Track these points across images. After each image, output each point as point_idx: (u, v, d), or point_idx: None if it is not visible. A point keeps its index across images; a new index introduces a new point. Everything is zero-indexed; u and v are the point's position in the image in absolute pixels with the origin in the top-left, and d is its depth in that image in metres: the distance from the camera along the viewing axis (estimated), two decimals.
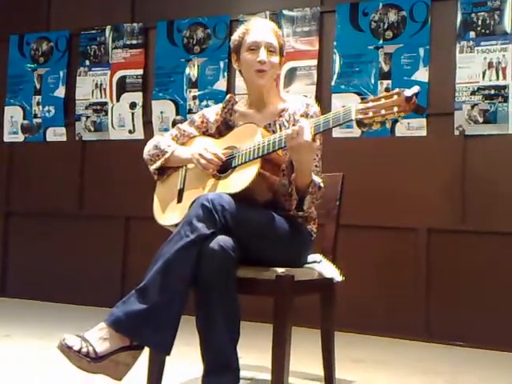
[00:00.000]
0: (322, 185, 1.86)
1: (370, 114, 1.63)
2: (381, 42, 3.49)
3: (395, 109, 1.60)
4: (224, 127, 2.03)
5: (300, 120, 1.78)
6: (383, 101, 1.62)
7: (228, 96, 2.09)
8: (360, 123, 3.40)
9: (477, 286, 3.20)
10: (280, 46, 1.96)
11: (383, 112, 1.61)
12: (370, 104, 1.64)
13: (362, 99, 3.44)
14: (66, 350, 1.54)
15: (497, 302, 3.14)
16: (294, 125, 1.90)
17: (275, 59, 1.94)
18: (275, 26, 2.00)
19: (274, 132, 1.91)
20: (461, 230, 3.26)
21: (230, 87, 3.80)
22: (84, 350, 1.55)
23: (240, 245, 1.71)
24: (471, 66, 3.27)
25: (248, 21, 2.02)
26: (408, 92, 1.58)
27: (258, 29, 1.94)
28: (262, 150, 1.78)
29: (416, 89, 1.59)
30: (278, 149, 1.79)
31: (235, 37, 1.99)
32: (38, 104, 4.40)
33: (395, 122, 3.34)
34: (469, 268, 3.23)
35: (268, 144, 1.78)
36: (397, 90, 1.62)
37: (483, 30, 3.26)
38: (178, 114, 3.96)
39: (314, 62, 3.63)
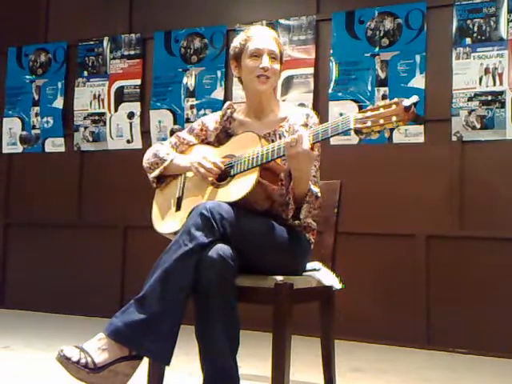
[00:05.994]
0: (319, 194, 1.85)
1: (369, 124, 1.62)
2: (377, 49, 3.51)
3: (394, 118, 1.59)
4: (223, 135, 2.02)
5: (299, 129, 1.77)
6: (382, 110, 1.61)
7: (227, 104, 2.08)
8: (358, 132, 3.40)
9: (477, 293, 3.19)
10: (281, 53, 1.97)
11: (382, 122, 1.61)
12: (369, 113, 1.63)
13: (359, 107, 3.46)
14: (64, 361, 1.53)
15: (497, 308, 3.14)
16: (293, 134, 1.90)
17: (277, 66, 1.95)
18: (276, 34, 2.01)
19: (273, 141, 1.90)
20: (460, 236, 3.26)
21: (228, 96, 3.81)
22: (83, 360, 1.54)
23: (239, 253, 1.71)
24: (468, 73, 3.29)
25: (249, 28, 2.02)
26: (407, 102, 1.57)
27: (260, 36, 1.94)
28: (260, 159, 1.78)
29: (415, 98, 1.58)
30: (277, 157, 1.78)
31: (236, 44, 1.98)
32: (37, 115, 4.41)
33: (393, 128, 3.34)
34: (468, 274, 3.22)
35: (267, 153, 1.78)
36: (395, 99, 1.61)
37: (479, 37, 3.28)
38: (175, 123, 3.97)
39: (311, 70, 3.65)
